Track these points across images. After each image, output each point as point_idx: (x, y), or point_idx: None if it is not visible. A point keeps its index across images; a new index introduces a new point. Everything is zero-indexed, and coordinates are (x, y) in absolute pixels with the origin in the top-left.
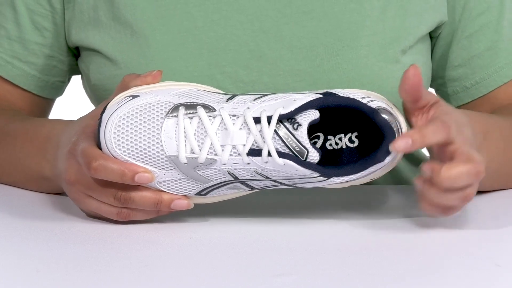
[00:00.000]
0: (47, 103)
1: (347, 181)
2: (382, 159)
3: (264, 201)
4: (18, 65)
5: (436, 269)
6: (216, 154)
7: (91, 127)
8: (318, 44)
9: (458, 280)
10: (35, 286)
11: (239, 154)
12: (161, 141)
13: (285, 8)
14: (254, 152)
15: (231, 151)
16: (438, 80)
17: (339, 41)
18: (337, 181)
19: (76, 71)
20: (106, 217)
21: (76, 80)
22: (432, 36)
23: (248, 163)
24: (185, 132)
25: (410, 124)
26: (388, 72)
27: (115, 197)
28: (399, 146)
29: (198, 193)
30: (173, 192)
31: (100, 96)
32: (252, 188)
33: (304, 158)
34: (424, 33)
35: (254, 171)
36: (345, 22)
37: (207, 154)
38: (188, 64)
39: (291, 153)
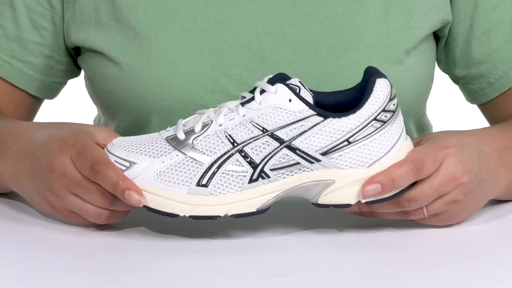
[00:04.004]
0: (35, 104)
1: (346, 132)
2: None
3: None
4: (16, 65)
5: (436, 269)
6: (211, 120)
7: (89, 128)
8: (321, 46)
9: (458, 280)
10: (35, 286)
11: (234, 111)
12: (160, 133)
13: (288, 9)
14: (249, 100)
15: (226, 112)
16: (464, 79)
17: (342, 43)
18: (336, 126)
19: (74, 74)
20: (77, 220)
21: (76, 82)
22: (440, 35)
23: (244, 115)
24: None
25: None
26: (392, 73)
27: (101, 196)
28: (368, 192)
29: (199, 182)
30: (174, 181)
31: (102, 97)
32: (252, 163)
33: (298, 92)
34: (428, 33)
35: (250, 122)
36: (348, 24)
37: (203, 123)
38: (191, 66)
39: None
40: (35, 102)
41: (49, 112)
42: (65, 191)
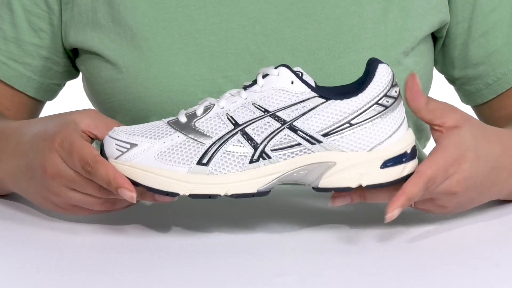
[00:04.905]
0: (37, 106)
1: (348, 113)
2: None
3: (264, 202)
4: (14, 66)
5: (436, 269)
6: (213, 104)
7: (73, 116)
8: (319, 47)
9: (458, 280)
10: (35, 286)
11: (236, 95)
12: (161, 120)
13: (287, 11)
14: (251, 85)
15: (228, 97)
16: (461, 80)
17: (341, 44)
18: (338, 107)
19: (72, 75)
20: (84, 212)
21: (75, 83)
22: (438, 36)
23: (246, 98)
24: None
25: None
26: None
27: (100, 188)
28: (393, 217)
29: (200, 161)
30: (175, 160)
31: (100, 99)
32: (253, 143)
33: (300, 76)
34: (426, 34)
35: (252, 104)
36: (346, 25)
37: (205, 107)
38: (190, 68)
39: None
40: (36, 104)
41: (49, 113)
42: (64, 189)
